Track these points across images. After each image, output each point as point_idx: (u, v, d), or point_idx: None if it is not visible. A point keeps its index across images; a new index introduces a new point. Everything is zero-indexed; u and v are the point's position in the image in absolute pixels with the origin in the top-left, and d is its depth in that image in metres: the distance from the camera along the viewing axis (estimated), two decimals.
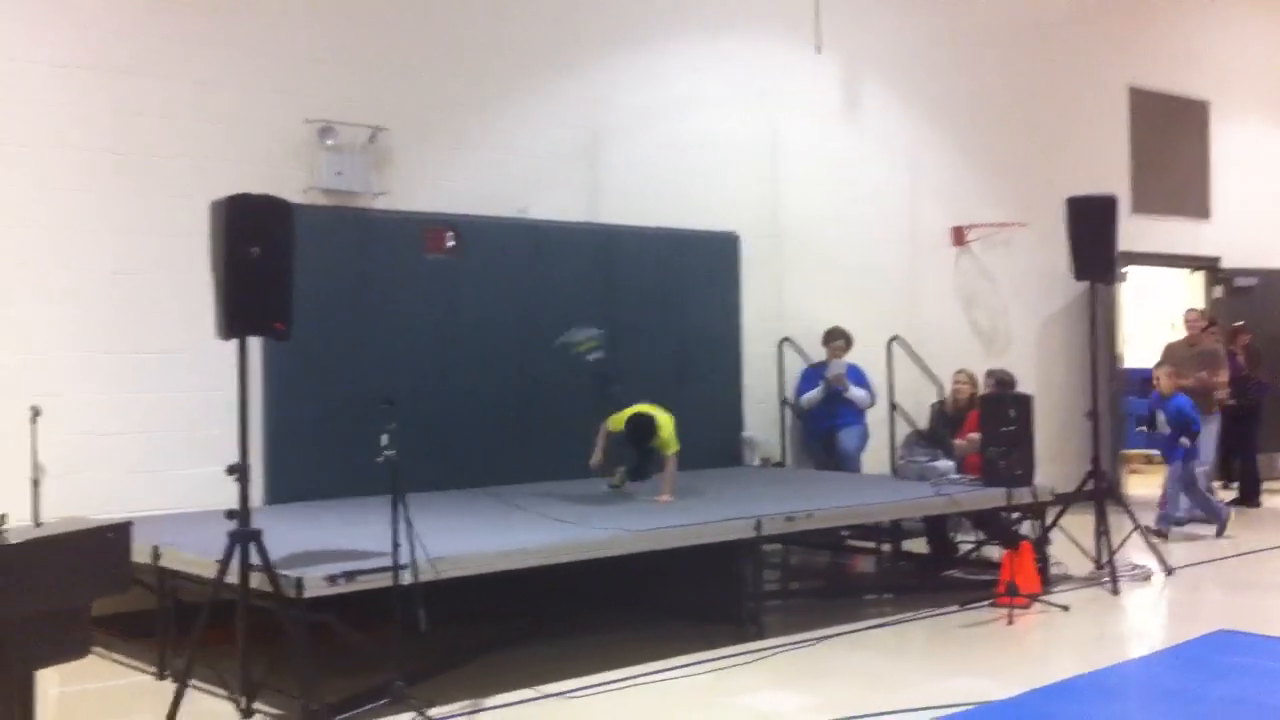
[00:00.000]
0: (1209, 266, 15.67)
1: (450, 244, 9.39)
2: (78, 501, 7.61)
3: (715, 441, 10.75)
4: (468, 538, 6.96)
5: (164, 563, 6.60)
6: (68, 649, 4.87)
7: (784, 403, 11.37)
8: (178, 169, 8.36)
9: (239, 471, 5.83)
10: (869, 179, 12.30)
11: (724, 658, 7.10)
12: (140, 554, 6.40)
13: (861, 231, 12.17)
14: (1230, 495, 13.70)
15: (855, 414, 11.11)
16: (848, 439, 11.01)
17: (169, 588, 6.67)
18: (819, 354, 11.29)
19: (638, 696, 6.46)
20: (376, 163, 9.18)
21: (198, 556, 6.35)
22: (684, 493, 8.79)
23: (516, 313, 9.75)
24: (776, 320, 11.42)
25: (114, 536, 5.17)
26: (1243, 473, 13.66)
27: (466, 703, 6.23)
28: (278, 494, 8.48)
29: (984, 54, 13.30)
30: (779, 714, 6.14)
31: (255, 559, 5.75)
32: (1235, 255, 15.73)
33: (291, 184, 8.53)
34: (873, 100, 12.37)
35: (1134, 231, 13.97)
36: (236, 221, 5.94)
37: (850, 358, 11.25)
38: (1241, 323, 14.26)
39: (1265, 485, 13.96)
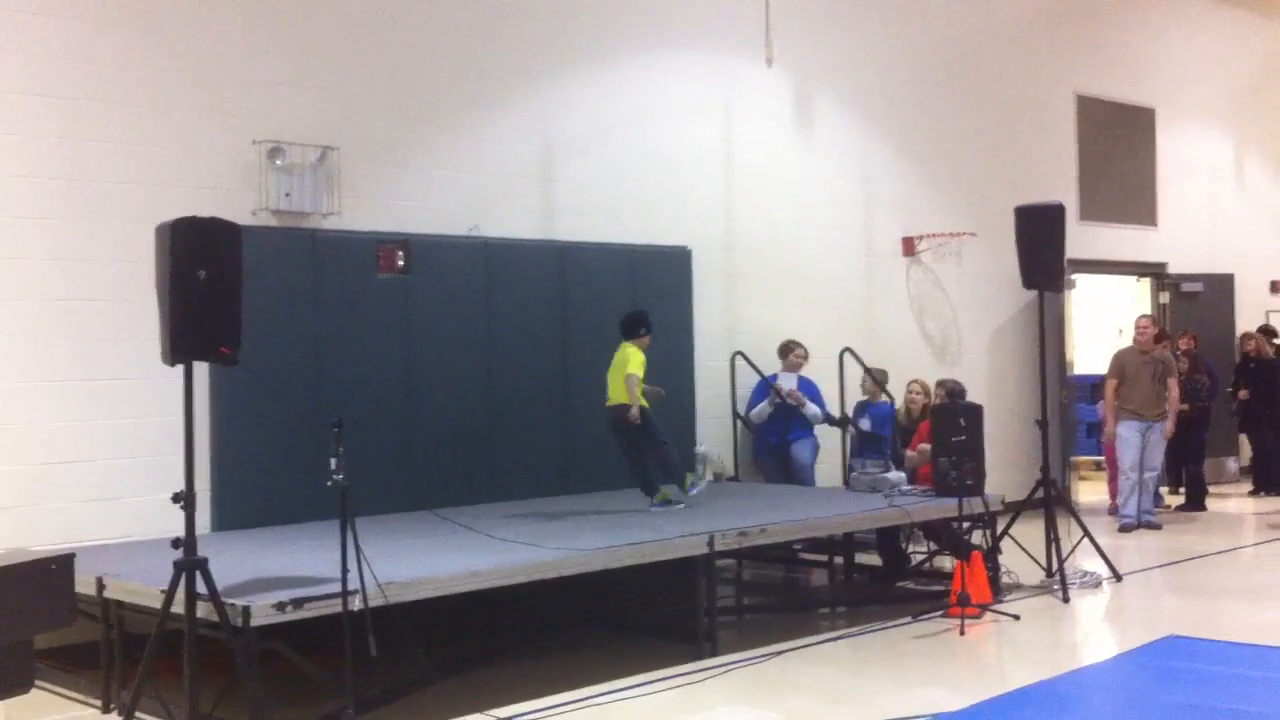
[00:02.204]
0: (1156, 272, 15.85)
1: (400, 263, 9.35)
2: (25, 532, 7.56)
3: None
4: (419, 561, 6.92)
5: (109, 594, 6.51)
6: (11, 684, 4.82)
7: (737, 417, 11.39)
8: (126, 193, 8.27)
9: (184, 500, 5.77)
10: (821, 191, 12.36)
11: (679, 675, 7.10)
12: (85, 585, 6.30)
13: (813, 244, 12.22)
14: (1178, 500, 13.87)
15: (808, 427, 11.15)
16: (801, 451, 11.05)
17: (114, 619, 6.58)
18: (771, 367, 11.32)
19: (594, 717, 6.44)
20: (326, 183, 9.12)
21: (143, 586, 6.28)
22: (637, 508, 8.83)
23: (470, 332, 9.72)
24: (729, 334, 11.45)
25: (57, 569, 5.13)
26: (1190, 478, 13.79)
27: None
28: (226, 521, 8.40)
29: (933, 64, 13.40)
30: None
31: (202, 588, 5.69)
32: (1181, 261, 15.93)
33: (240, 206, 8.49)
34: (824, 113, 12.44)
35: (1082, 239, 14.15)
36: (183, 244, 5.89)
37: (804, 370, 11.31)
38: (1184, 330, 14.43)
39: (1212, 490, 14.13)
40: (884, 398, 11.10)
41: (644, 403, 8.78)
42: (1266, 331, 15.28)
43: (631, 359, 8.82)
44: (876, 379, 11.16)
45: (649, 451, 8.95)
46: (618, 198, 10.81)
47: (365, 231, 9.28)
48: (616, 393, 8.84)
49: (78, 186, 8.16)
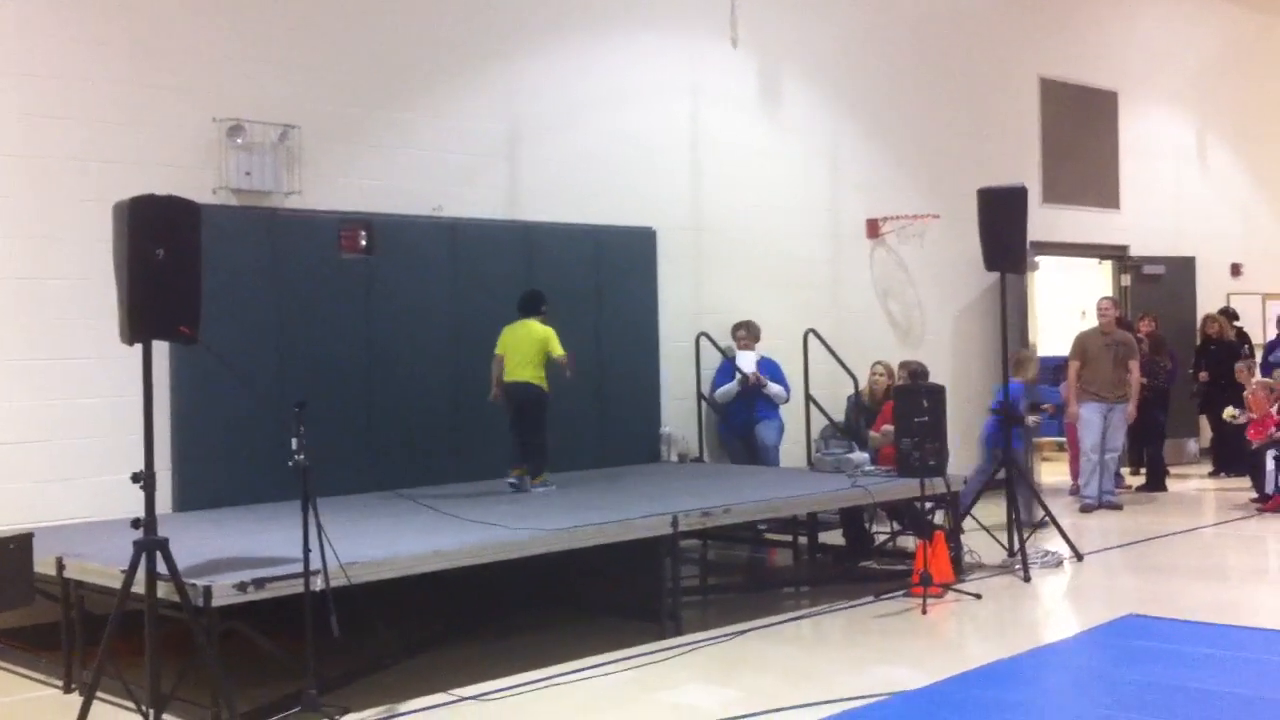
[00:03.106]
0: (1118, 255, 15.95)
1: (363, 243, 9.30)
2: None
3: (633, 437, 10.78)
4: (382, 541, 6.89)
5: (69, 574, 6.46)
6: None
7: (701, 398, 11.40)
8: (83, 171, 8.18)
9: (144, 480, 5.72)
10: (786, 173, 12.37)
11: (643, 654, 7.12)
12: (44, 565, 6.29)
13: (779, 225, 12.24)
14: (1138, 481, 13.99)
15: (773, 408, 11.18)
16: (766, 432, 11.07)
17: (74, 599, 6.54)
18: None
19: (557, 697, 6.45)
20: (287, 161, 9.06)
21: (103, 566, 6.24)
22: (602, 490, 8.84)
23: (435, 312, 9.68)
24: (694, 315, 11.45)
25: (15, 549, 5.11)
26: (1150, 459, 13.91)
27: (382, 709, 6.19)
28: (187, 501, 8.34)
29: (898, 46, 13.42)
30: (700, 709, 6.17)
31: (162, 568, 5.65)
32: (1143, 244, 16.04)
33: (200, 184, 8.41)
34: (790, 94, 12.44)
35: (1045, 221, 14.22)
36: (141, 223, 5.83)
37: (768, 351, 11.33)
38: (1144, 312, 14.55)
39: (1173, 470, 14.26)
40: (1017, 378, 10.93)
41: (562, 370, 8.96)
42: (1228, 314, 15.41)
43: (550, 338, 8.90)
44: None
45: (530, 433, 8.98)
46: (584, 178, 10.78)
47: (327, 211, 9.22)
48: (522, 369, 8.88)
49: (34, 164, 8.07)
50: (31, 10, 8.09)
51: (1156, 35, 16.69)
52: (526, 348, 8.91)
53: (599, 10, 11.04)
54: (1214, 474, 14.89)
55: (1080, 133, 15.56)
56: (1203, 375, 14.47)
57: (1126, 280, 15.85)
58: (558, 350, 8.88)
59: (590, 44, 10.97)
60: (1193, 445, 16.01)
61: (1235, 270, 17.49)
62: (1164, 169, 16.70)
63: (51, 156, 8.12)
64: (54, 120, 8.13)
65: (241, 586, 5.78)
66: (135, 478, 5.72)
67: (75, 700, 5.90)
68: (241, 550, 6.54)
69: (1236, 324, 15.26)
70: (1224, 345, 14.52)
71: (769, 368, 11.22)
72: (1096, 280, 16.16)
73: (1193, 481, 14.57)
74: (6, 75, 7.98)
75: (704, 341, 11.36)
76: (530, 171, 10.48)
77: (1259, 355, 14.99)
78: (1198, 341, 14.99)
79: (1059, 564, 9.49)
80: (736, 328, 11.32)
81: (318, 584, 5.76)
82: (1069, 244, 15.22)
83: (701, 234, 11.61)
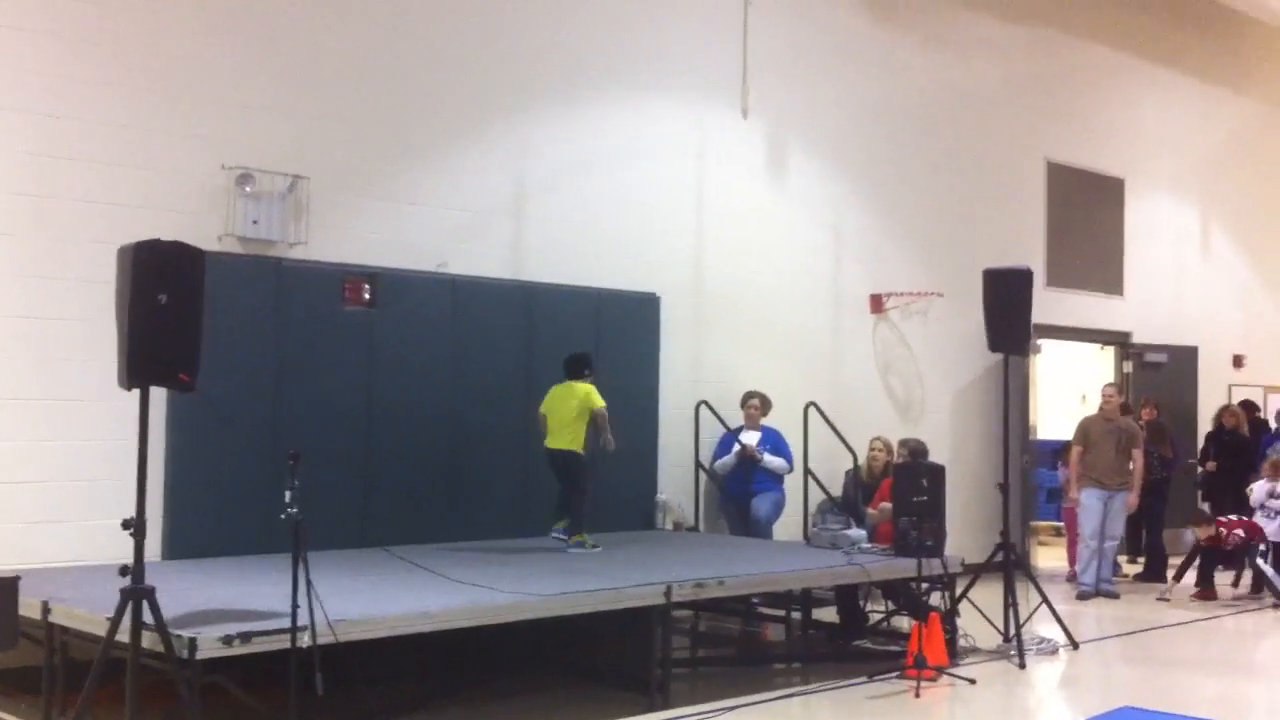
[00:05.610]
0: (1121, 341, 15.94)
1: (366, 297, 9.28)
2: None
3: (628, 504, 10.66)
4: (371, 599, 6.81)
5: (54, 618, 6.37)
6: None
7: (699, 466, 11.32)
8: (90, 212, 8.16)
9: (134, 526, 5.64)
10: (791, 243, 12.38)
11: None
12: (30, 608, 6.20)
13: (782, 296, 12.23)
14: (1136, 570, 13.86)
15: (772, 480, 11.07)
16: (761, 506, 10.94)
17: (58, 644, 6.44)
18: (736, 417, 11.28)
19: None
20: (295, 212, 9.06)
21: (89, 613, 6.15)
22: (593, 556, 8.75)
23: (435, 368, 9.63)
24: (694, 382, 11.39)
25: (1, 591, 5.02)
26: (1149, 548, 13.77)
27: None
28: (177, 549, 8.24)
29: (907, 124, 13.49)
30: None
31: (148, 617, 5.56)
32: (1146, 330, 16.03)
33: (207, 231, 8.41)
34: (797, 165, 12.48)
35: (1048, 304, 14.20)
36: (145, 268, 5.81)
37: (768, 423, 11.25)
38: (1144, 398, 14.47)
39: (1171, 560, 14.11)
40: None
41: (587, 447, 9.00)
42: (1249, 407, 15.29)
43: (590, 393, 9.00)
44: None
45: (572, 494, 9.06)
46: (588, 239, 10.78)
47: (332, 263, 9.20)
48: (559, 435, 9.00)
49: (42, 204, 8.06)
50: (46, 50, 8.12)
51: (1164, 124, 16.78)
52: (565, 412, 9.01)
53: (608, 72, 11.09)
54: None
55: (1086, 217, 15.59)
56: (1210, 465, 14.36)
57: (1128, 367, 15.80)
58: (598, 401, 8.98)
59: (599, 106, 11.01)
60: (1190, 535, 15.84)
61: (1237, 361, 17.45)
62: (1168, 257, 16.73)
63: (59, 197, 8.11)
64: (63, 161, 8.13)
65: (227, 640, 5.69)
66: (126, 524, 5.65)
67: None
68: (229, 602, 6.44)
69: (1259, 414, 15.15)
70: (1237, 438, 14.41)
71: (772, 438, 11.13)
72: (1098, 365, 16.13)
73: (1190, 572, 14.39)
74: (17, 113, 7.99)
75: (703, 410, 11.29)
76: (534, 230, 10.48)
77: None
78: (1210, 428, 14.86)
79: (1054, 651, 9.35)
80: (749, 397, 11.25)
81: (304, 640, 5.66)
82: (1071, 328, 15.19)
83: (703, 300, 11.60)
